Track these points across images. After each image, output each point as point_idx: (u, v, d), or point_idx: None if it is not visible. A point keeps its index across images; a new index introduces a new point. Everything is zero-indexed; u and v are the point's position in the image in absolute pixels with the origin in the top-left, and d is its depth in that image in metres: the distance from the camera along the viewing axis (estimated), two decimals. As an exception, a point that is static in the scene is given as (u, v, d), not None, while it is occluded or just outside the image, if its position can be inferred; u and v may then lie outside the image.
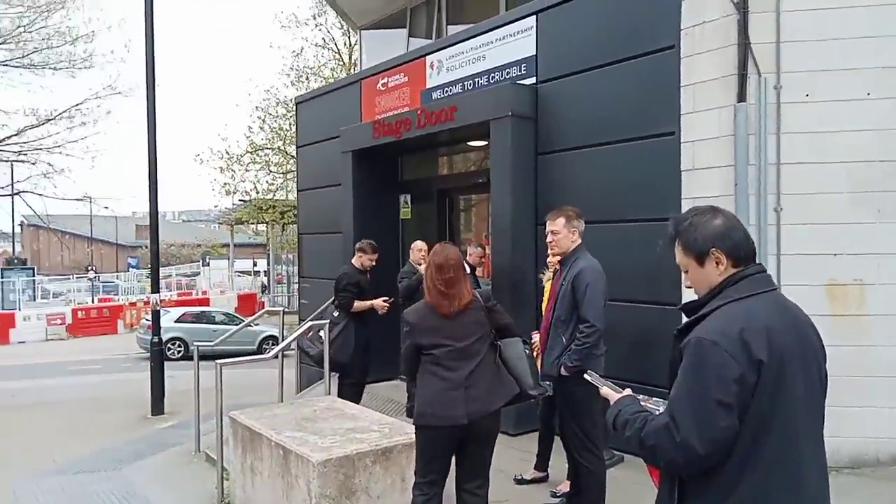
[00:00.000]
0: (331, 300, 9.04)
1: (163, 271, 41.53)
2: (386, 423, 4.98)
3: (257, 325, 21.14)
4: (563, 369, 4.14)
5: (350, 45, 24.33)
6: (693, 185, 5.21)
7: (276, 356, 6.08)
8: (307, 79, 23.52)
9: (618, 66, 5.79)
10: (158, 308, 9.65)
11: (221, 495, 5.34)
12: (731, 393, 1.76)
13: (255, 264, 47.16)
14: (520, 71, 6.69)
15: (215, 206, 31.61)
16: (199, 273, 41.90)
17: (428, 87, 7.90)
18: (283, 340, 7.33)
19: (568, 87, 6.23)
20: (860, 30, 4.82)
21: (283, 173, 25.42)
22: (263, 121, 23.79)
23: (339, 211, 8.91)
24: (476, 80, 7.22)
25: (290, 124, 23.93)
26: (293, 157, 23.88)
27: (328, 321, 6.07)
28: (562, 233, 4.35)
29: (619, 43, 5.77)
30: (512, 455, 5.48)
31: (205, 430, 7.85)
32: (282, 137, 23.81)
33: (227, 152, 24.35)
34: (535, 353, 4.22)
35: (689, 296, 2.08)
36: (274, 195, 25.07)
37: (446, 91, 7.62)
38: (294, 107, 23.38)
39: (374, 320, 6.67)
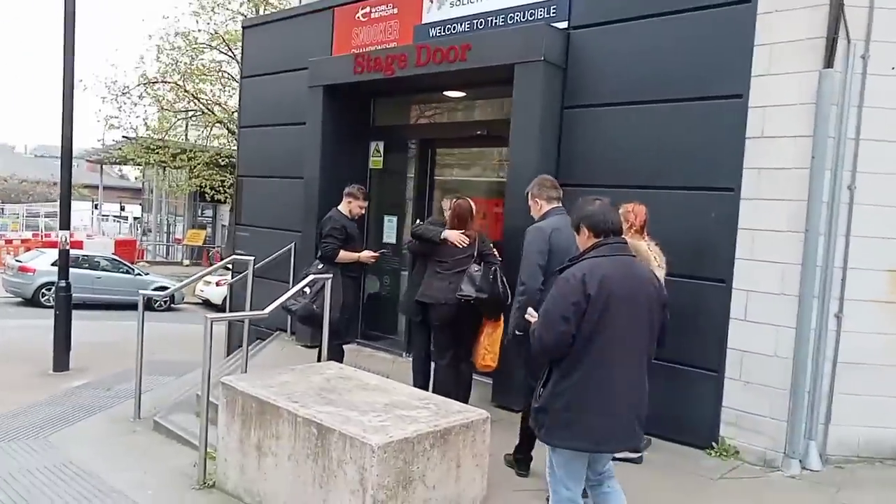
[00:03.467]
0: (286, 247, 8.10)
1: (15, 209, 37.25)
2: (426, 398, 4.26)
3: (146, 273, 19.40)
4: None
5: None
6: (759, 154, 4.82)
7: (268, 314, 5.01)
8: (213, 10, 21.34)
9: (674, 17, 5.27)
10: (67, 248, 8.17)
11: (204, 475, 4.38)
12: (570, 311, 2.87)
13: (122, 208, 43.48)
14: (547, 13, 6.01)
15: (98, 140, 28.44)
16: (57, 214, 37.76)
17: (424, 22, 7.02)
18: (250, 295, 6.32)
19: (608, 35, 5.64)
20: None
21: (175, 112, 23.13)
22: (160, 50, 21.38)
23: (299, 152, 7.89)
24: (489, 18, 6.45)
25: (190, 58, 21.78)
26: (193, 96, 21.84)
27: (329, 275, 5.18)
28: (531, 207, 4.52)
29: (677, -9, 5.25)
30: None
31: (125, 390, 6.81)
32: (179, 72, 21.56)
33: (115, 82, 21.76)
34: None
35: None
36: (166, 134, 22.75)
37: (448, 28, 6.78)
38: (195, 37, 21.49)
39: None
